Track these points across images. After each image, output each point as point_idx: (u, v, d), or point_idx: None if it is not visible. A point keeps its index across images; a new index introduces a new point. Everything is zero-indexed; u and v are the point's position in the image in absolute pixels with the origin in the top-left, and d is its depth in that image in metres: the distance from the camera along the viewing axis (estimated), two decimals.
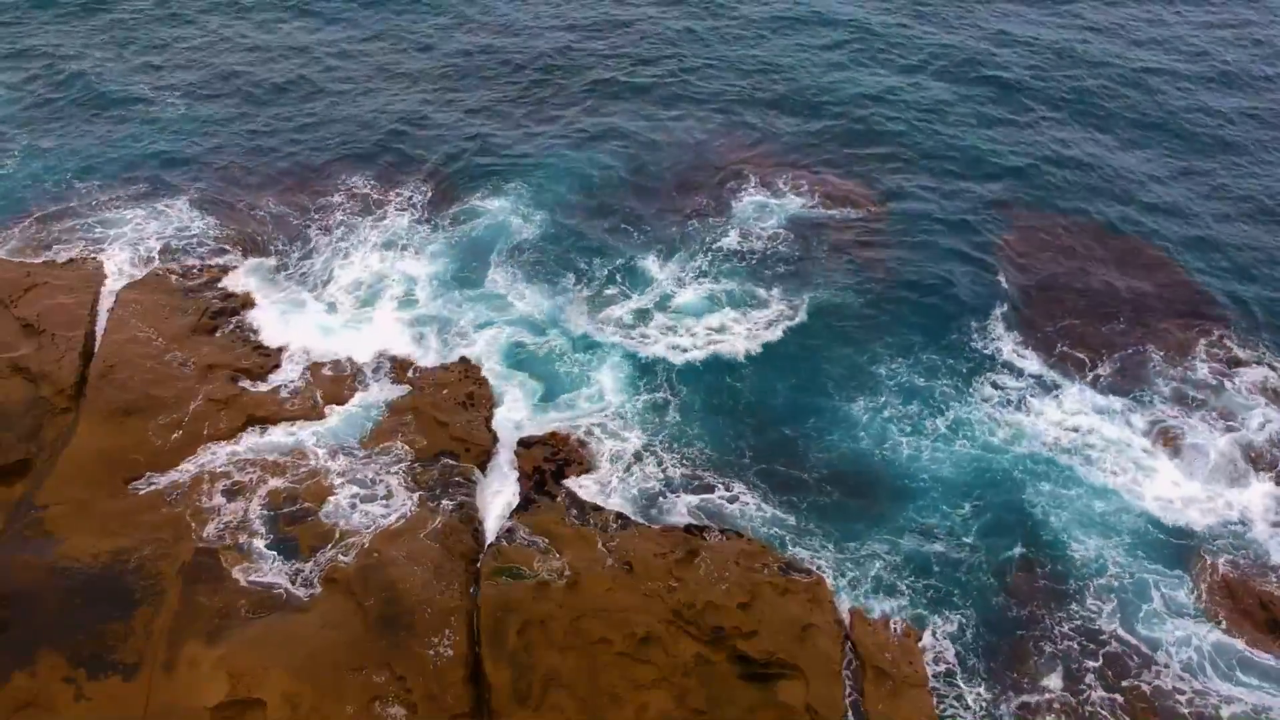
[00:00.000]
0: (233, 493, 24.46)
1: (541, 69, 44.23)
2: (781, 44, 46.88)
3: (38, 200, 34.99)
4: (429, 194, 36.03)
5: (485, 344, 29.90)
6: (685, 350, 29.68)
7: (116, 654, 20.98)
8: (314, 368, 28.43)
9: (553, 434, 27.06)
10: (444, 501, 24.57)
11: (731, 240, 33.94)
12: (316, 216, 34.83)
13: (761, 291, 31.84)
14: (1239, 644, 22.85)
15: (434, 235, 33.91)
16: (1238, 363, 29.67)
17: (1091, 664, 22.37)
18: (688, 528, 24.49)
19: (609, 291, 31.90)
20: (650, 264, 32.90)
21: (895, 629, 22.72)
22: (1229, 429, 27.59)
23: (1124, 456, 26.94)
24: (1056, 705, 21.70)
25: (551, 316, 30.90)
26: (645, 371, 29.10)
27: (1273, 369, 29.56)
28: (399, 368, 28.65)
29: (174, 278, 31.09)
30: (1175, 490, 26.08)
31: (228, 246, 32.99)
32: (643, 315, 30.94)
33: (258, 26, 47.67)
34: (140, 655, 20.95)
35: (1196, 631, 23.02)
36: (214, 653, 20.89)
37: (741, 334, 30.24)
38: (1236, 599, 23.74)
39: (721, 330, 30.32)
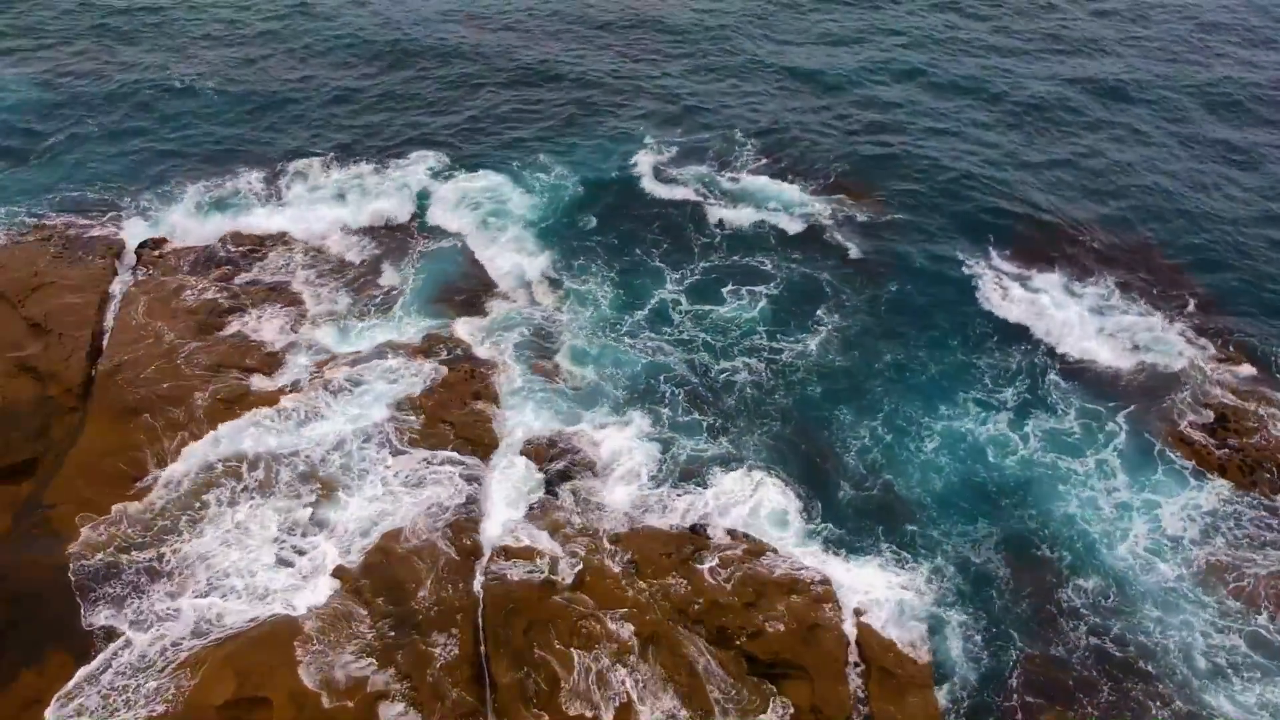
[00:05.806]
0: (237, 491, 24.54)
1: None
2: (807, 56, 47.00)
3: (55, 198, 35.13)
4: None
5: (498, 339, 30.16)
6: (693, 361, 29.69)
7: None
8: (320, 366, 28.49)
9: (559, 433, 27.10)
10: (450, 500, 24.61)
11: (743, 250, 34.03)
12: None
13: (771, 303, 31.87)
14: (1250, 644, 22.75)
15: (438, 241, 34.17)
16: (1247, 385, 29.33)
17: (1099, 667, 22.30)
18: (693, 528, 24.50)
19: (619, 297, 32.09)
20: (656, 275, 32.89)
21: (900, 630, 22.68)
22: (1235, 443, 27.40)
23: (1132, 468, 26.88)
24: (1061, 708, 21.64)
25: (565, 316, 31.22)
26: (654, 377, 29.07)
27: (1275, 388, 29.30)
28: (405, 367, 28.66)
29: (182, 276, 31.14)
30: (1180, 498, 26.03)
31: (241, 246, 32.98)
32: (651, 322, 31.04)
33: (292, 25, 48.05)
34: None
35: (1208, 635, 22.93)
36: (221, 651, 20.94)
37: (750, 346, 30.29)
38: (1253, 601, 23.56)
39: (731, 343, 30.32)
